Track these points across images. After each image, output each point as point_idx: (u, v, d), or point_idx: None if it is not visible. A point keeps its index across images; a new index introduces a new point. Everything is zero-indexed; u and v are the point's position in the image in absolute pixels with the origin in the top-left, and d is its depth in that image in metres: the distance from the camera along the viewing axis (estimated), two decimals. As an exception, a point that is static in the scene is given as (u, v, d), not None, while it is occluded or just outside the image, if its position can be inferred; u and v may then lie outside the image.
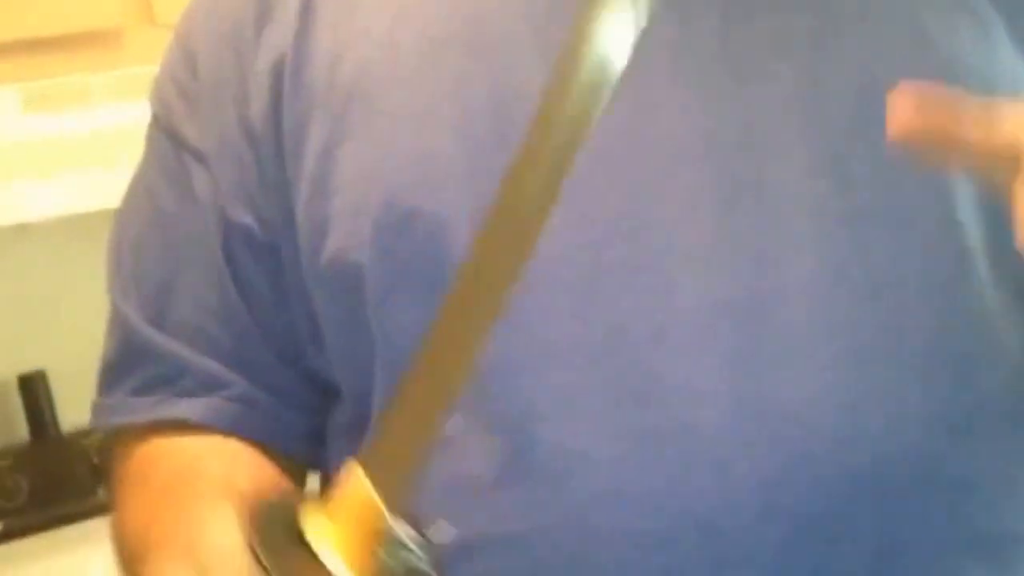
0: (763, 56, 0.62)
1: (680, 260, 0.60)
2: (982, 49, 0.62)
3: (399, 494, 0.49)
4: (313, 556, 0.48)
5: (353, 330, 0.66)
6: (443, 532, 0.55)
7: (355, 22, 0.67)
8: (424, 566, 0.49)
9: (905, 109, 0.46)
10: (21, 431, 1.77)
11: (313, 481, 0.74)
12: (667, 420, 0.60)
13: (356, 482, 0.49)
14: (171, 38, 0.75)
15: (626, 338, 0.60)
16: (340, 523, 0.49)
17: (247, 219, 0.68)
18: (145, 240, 0.73)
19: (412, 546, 0.49)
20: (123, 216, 0.75)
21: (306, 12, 0.68)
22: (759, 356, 0.60)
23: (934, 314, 0.62)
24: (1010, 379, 0.64)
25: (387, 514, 0.48)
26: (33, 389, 1.75)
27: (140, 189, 0.75)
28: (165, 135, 0.73)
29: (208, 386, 0.70)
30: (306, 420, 0.72)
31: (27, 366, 1.77)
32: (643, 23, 0.49)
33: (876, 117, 0.54)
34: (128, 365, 0.72)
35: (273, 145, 0.67)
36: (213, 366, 0.69)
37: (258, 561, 0.49)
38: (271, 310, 0.70)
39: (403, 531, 0.49)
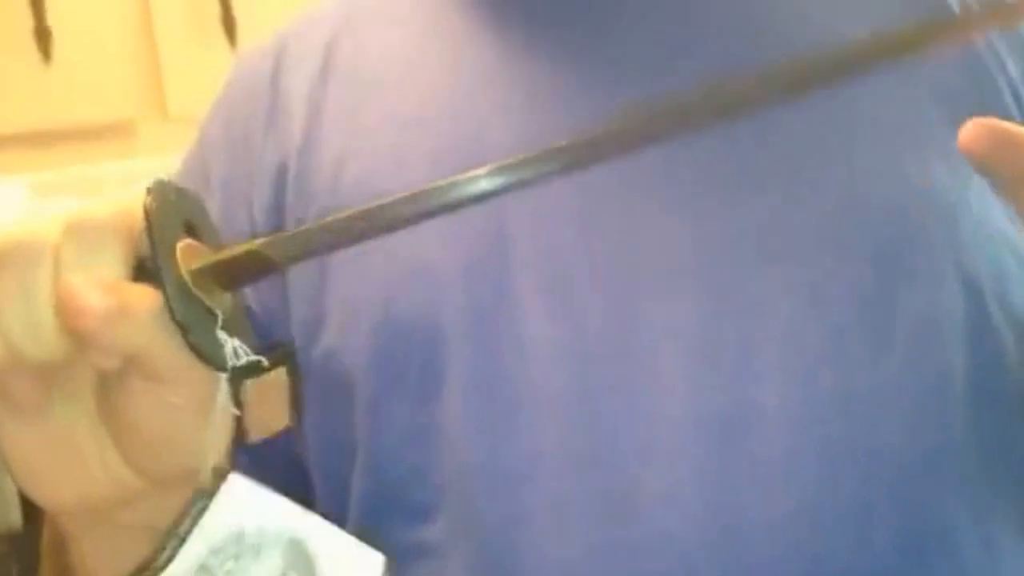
0: (746, 181, 0.64)
1: (665, 378, 0.61)
2: (954, 182, 0.65)
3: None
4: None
5: (336, 430, 0.66)
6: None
7: (361, 128, 0.68)
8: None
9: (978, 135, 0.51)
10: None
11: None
12: (647, 533, 0.61)
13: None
14: (191, 139, 0.76)
15: (611, 452, 0.61)
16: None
17: (250, 303, 0.68)
18: None
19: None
20: None
21: (313, 116, 0.69)
22: (737, 473, 0.61)
23: (908, 433, 0.63)
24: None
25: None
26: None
27: None
28: None
29: None
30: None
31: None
32: None
33: (853, 239, 0.61)
34: None
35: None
36: None
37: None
38: None
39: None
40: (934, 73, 0.66)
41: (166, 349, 0.46)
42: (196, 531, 0.48)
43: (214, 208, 0.68)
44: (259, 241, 0.49)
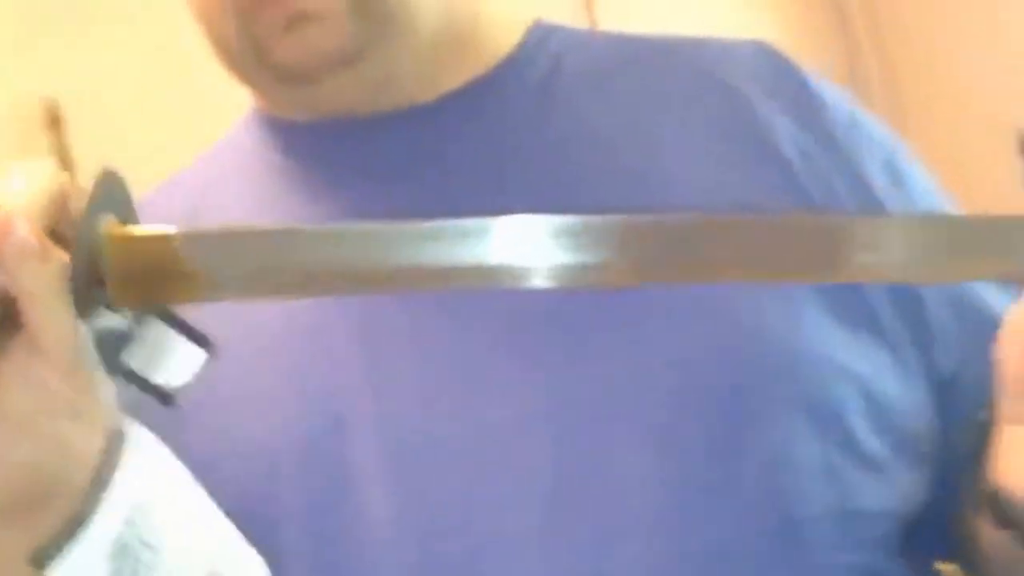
0: (590, 331, 0.65)
1: (512, 547, 0.61)
2: (787, 321, 0.66)
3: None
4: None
5: None
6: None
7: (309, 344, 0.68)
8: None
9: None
10: None
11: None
12: None
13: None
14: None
15: None
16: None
17: None
18: None
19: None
20: None
21: None
22: None
23: None
24: None
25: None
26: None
27: None
28: None
29: None
30: None
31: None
32: None
33: (696, 386, 0.64)
34: None
35: None
36: None
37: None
38: None
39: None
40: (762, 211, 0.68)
41: (57, 310, 0.48)
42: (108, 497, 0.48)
43: None
44: (178, 231, 0.49)
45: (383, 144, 0.71)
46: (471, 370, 0.64)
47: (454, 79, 0.73)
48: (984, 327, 0.65)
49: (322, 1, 0.66)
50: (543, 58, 0.75)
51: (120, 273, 0.49)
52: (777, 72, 0.76)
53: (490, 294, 0.54)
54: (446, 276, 0.50)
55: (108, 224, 0.50)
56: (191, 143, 0.82)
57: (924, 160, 0.79)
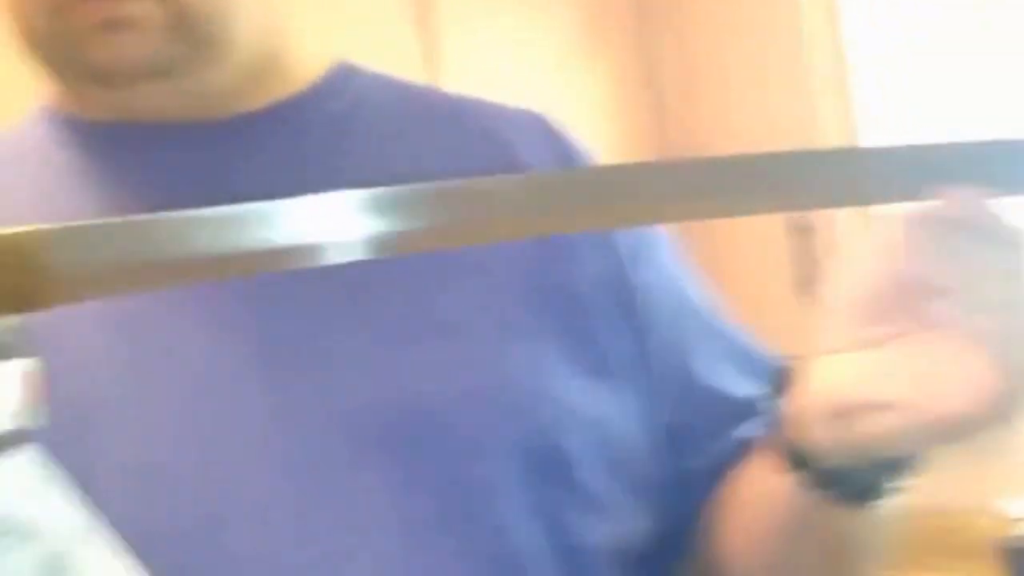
0: (332, 370, 0.67)
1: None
2: (527, 363, 0.70)
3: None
4: None
5: None
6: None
7: (65, 336, 0.66)
8: None
9: None
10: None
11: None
12: None
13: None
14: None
15: None
16: None
17: None
18: None
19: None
20: None
21: None
22: None
23: None
24: None
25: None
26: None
27: None
28: None
29: None
30: None
31: None
32: None
33: (427, 420, 0.67)
34: None
35: None
36: None
37: None
38: None
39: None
40: (517, 266, 0.71)
41: None
42: None
43: None
44: (38, 227, 0.47)
45: (177, 154, 0.72)
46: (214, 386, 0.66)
47: (255, 101, 0.74)
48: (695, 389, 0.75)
49: (138, 11, 0.67)
50: (345, 94, 0.77)
51: None
52: (549, 138, 0.80)
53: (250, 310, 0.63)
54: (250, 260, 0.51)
55: None
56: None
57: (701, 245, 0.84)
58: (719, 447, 0.76)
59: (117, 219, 0.49)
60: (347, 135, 0.75)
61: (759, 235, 2.37)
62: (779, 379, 0.69)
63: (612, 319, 0.74)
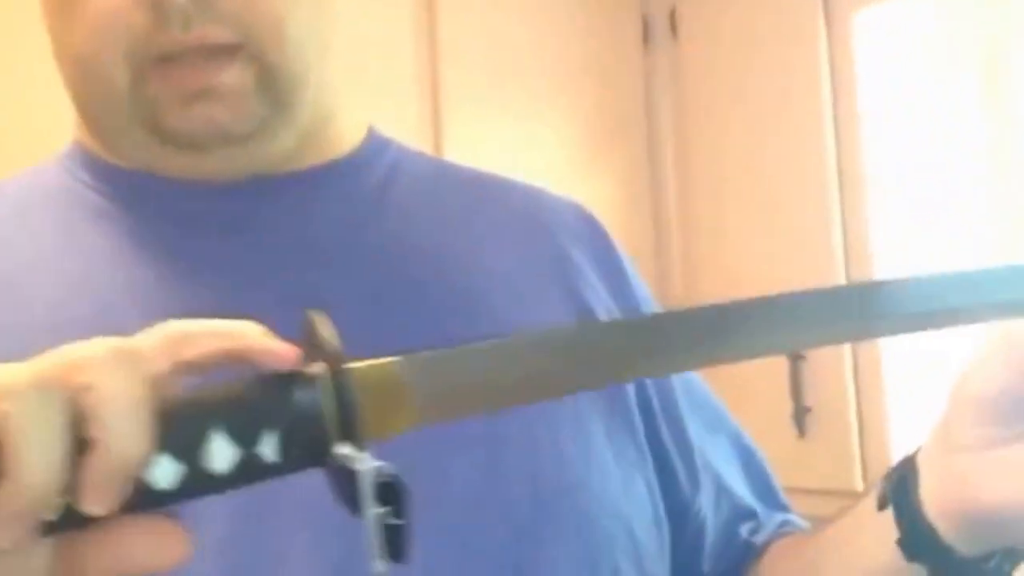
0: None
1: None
2: (579, 450, 0.70)
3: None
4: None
5: None
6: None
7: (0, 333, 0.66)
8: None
9: None
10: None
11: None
12: None
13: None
14: None
15: None
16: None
17: None
18: None
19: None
20: None
21: None
22: None
23: None
24: None
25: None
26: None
27: None
28: None
29: None
30: None
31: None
32: None
33: (494, 506, 0.67)
34: None
35: None
36: None
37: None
38: None
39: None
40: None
41: None
42: None
43: None
44: (399, 359, 0.49)
45: (220, 206, 0.71)
46: None
47: (300, 162, 0.73)
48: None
49: (231, 79, 0.66)
50: (382, 162, 0.77)
51: (367, 408, 0.48)
52: (592, 231, 0.81)
53: None
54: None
55: (347, 361, 0.48)
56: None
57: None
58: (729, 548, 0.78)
59: (478, 346, 0.51)
60: (384, 204, 0.76)
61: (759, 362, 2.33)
62: (898, 477, 0.66)
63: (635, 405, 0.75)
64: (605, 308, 0.76)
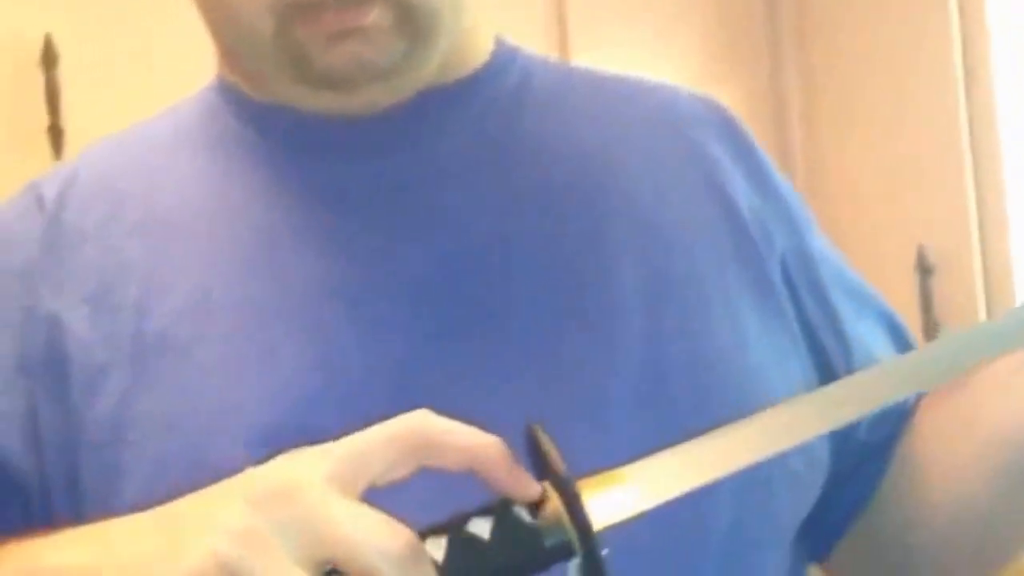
0: (561, 330, 0.70)
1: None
2: (736, 342, 0.73)
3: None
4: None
5: None
6: None
7: (165, 273, 0.70)
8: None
9: None
10: None
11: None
12: None
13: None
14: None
15: None
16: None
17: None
18: None
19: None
20: None
21: (107, 264, 0.71)
22: None
23: None
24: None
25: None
26: None
27: None
28: None
29: None
30: None
31: None
32: None
33: (663, 398, 0.69)
34: None
35: (52, 386, 0.69)
36: None
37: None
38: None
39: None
40: (717, 235, 0.75)
41: None
42: None
43: None
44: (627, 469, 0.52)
45: (367, 129, 0.74)
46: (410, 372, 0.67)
47: (442, 79, 0.76)
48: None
49: (372, 18, 0.68)
50: (514, 70, 0.79)
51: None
52: (731, 128, 0.81)
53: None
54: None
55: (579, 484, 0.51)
56: (182, 83, 0.83)
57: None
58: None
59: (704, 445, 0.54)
60: (522, 108, 0.78)
61: (888, 275, 2.33)
62: None
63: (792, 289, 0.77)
64: (748, 203, 0.77)
